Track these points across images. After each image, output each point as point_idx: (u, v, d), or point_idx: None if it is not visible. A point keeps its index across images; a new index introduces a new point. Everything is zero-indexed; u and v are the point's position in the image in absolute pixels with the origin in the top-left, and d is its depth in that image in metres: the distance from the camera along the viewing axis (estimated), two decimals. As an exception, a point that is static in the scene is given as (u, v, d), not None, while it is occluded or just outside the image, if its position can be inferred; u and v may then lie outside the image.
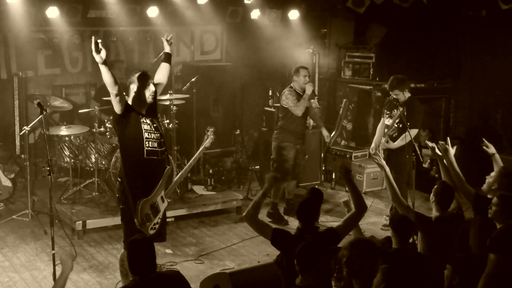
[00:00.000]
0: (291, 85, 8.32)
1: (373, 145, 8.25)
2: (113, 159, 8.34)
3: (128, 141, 5.65)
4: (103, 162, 8.60)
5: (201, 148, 6.55)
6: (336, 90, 11.07)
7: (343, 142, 10.65)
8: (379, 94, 10.16)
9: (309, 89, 8.16)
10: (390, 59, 10.46)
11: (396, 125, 7.97)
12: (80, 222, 7.74)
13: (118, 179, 5.82)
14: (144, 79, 5.73)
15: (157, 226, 5.85)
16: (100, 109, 8.67)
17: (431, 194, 5.69)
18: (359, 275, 4.16)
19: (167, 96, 8.71)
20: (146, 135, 5.66)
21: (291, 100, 8.16)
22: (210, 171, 9.49)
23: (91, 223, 7.79)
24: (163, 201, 5.91)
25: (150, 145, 5.67)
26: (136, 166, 5.66)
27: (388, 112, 8.15)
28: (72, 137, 8.68)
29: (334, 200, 9.41)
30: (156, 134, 5.74)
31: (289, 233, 4.99)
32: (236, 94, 10.81)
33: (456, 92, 10.78)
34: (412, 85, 10.05)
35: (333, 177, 9.98)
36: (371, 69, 10.51)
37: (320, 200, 5.14)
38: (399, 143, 7.75)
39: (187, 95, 9.19)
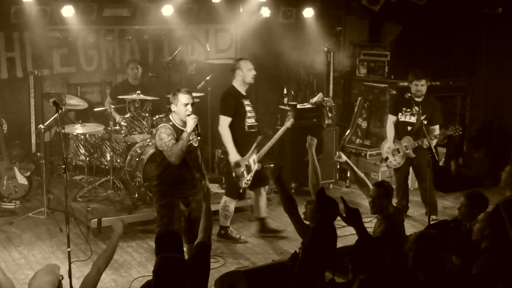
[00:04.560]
0: (170, 116, 6.30)
1: (389, 144, 8.13)
2: (128, 157, 8.33)
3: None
4: (118, 160, 8.60)
5: (283, 127, 7.69)
6: (351, 88, 10.98)
7: (358, 141, 10.58)
8: (394, 92, 10.09)
9: (190, 124, 6.11)
10: (405, 57, 10.38)
11: (416, 121, 7.90)
12: (96, 220, 7.73)
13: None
14: (248, 63, 7.32)
15: (249, 182, 7.31)
16: (116, 107, 8.69)
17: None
18: (424, 268, 4.39)
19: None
20: (248, 114, 7.32)
21: (165, 142, 6.08)
22: (225, 170, 9.35)
23: (106, 221, 7.75)
24: (254, 163, 7.28)
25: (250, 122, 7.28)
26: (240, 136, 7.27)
27: (408, 110, 8.04)
28: (87, 136, 8.68)
29: (349, 198, 9.36)
30: (252, 113, 7.40)
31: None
32: (250, 92, 10.66)
33: (472, 90, 10.68)
34: (428, 83, 10.00)
35: (348, 175, 9.91)
36: (386, 67, 10.42)
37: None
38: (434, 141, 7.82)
39: (202, 94, 9.18)
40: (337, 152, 6.84)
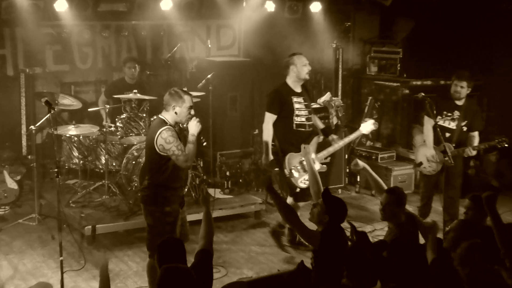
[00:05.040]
0: (162, 117, 5.94)
1: (431, 151, 7.92)
2: (124, 160, 8.29)
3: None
4: (114, 164, 8.58)
5: (357, 132, 7.59)
6: (361, 87, 10.97)
7: (368, 143, 10.55)
8: (406, 91, 10.03)
9: (195, 127, 5.98)
10: (418, 55, 10.36)
11: (456, 127, 7.78)
12: (90, 227, 7.69)
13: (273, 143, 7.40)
14: (302, 58, 7.35)
15: (307, 182, 6.92)
16: (112, 107, 8.65)
17: None
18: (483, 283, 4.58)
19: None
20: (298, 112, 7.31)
21: (176, 145, 5.82)
22: (227, 173, 9.43)
23: (101, 228, 7.74)
24: (313, 162, 6.88)
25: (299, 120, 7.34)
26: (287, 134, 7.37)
27: (448, 114, 7.87)
28: (81, 137, 8.66)
29: (359, 204, 9.28)
30: (304, 111, 7.36)
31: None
32: (254, 91, 10.69)
33: (488, 90, 10.61)
34: (442, 82, 9.95)
35: (358, 180, 9.84)
36: (398, 65, 10.42)
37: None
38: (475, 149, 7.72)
39: (203, 93, 9.14)
40: (350, 159, 6.77)
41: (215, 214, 8.37)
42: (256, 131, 10.60)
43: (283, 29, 10.41)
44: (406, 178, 9.80)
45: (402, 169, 9.86)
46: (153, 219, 5.90)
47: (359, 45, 11.23)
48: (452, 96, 7.76)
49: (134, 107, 8.55)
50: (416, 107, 10.08)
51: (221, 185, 9.25)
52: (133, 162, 8.21)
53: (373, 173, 6.16)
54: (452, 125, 7.74)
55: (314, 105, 9.55)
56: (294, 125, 7.38)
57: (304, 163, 7.20)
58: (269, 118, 7.41)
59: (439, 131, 7.56)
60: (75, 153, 8.72)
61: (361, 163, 6.27)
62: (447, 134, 7.75)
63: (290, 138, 7.37)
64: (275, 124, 7.39)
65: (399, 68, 10.44)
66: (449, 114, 7.80)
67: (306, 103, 7.49)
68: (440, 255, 4.83)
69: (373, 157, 10.08)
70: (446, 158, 7.51)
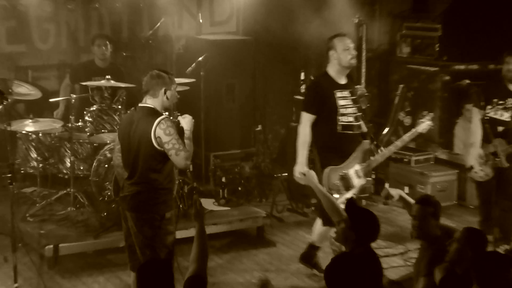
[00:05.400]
0: (153, 106, 6.08)
1: (478, 150, 7.86)
2: (95, 163, 8.27)
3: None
4: (81, 168, 8.59)
5: (412, 132, 7.45)
6: (390, 72, 10.94)
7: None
8: (447, 78, 10.01)
9: (189, 122, 6.18)
10: (461, 32, 10.31)
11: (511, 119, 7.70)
12: (51, 246, 7.66)
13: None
14: (345, 41, 7.22)
15: None
16: (79, 97, 8.62)
17: None
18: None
19: None
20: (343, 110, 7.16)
21: (177, 139, 5.95)
22: (223, 180, 9.39)
23: (65, 248, 7.73)
24: (358, 176, 7.06)
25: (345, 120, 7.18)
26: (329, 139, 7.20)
27: (500, 103, 7.79)
28: (40, 135, 8.66)
29: (388, 218, 9.28)
30: (351, 108, 7.19)
31: None
32: (257, 78, 10.70)
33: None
34: (492, 67, 9.87)
35: (387, 187, 9.77)
36: (437, 45, 10.37)
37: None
38: None
39: (192, 79, 9.08)
40: (378, 189, 6.70)
41: (208, 230, 8.20)
42: (259, 127, 10.57)
43: (293, 0, 10.39)
44: (447, 186, 9.77)
45: (442, 175, 9.85)
46: (152, 230, 5.95)
47: (387, 20, 11.21)
48: (504, 78, 7.70)
49: (107, 96, 8.52)
50: (460, 97, 10.04)
51: (215, 194, 9.24)
52: (106, 165, 8.20)
53: (412, 201, 6.06)
54: (506, 116, 7.69)
55: None
56: (339, 127, 7.16)
57: (350, 176, 7.09)
58: (307, 119, 7.17)
59: (488, 126, 7.51)
60: (33, 155, 8.72)
61: (394, 193, 6.17)
62: (500, 128, 7.70)
63: (333, 144, 7.17)
64: (314, 127, 7.20)
65: (437, 49, 10.37)
66: (501, 102, 7.76)
67: (353, 98, 7.31)
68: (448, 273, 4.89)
69: (405, 160, 10.03)
70: (498, 159, 7.44)
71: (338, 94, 7.17)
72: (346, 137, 7.17)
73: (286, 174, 9.94)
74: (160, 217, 5.96)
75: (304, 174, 6.63)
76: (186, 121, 6.13)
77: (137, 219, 5.99)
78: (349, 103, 7.21)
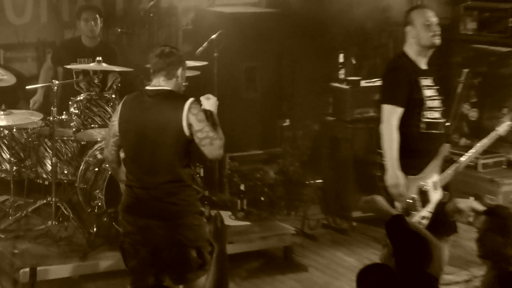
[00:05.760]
0: (169, 87, 6.29)
1: None
2: (82, 167, 8.32)
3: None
4: (65, 172, 8.59)
5: (492, 134, 7.34)
6: (451, 53, 10.87)
7: (463, 141, 10.45)
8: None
9: (214, 104, 6.51)
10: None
11: None
12: (27, 270, 7.62)
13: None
14: (426, 13, 7.04)
15: (426, 220, 6.78)
16: (62, 83, 8.66)
17: None
18: None
19: None
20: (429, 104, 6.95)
21: (209, 125, 6.26)
22: (241, 187, 9.41)
23: (45, 272, 7.69)
24: (435, 189, 6.86)
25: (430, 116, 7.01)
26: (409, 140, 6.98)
27: None
28: (15, 130, 8.70)
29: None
30: (436, 101, 7.00)
31: None
32: (284, 61, 10.69)
33: None
34: None
35: (455, 199, 9.74)
36: (510, 19, 10.27)
37: None
38: None
39: (204, 63, 9.10)
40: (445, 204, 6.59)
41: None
42: (287, 122, 10.50)
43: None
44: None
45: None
46: (195, 232, 6.20)
47: (448, -12, 11.12)
48: None
49: (97, 83, 8.55)
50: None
51: (232, 205, 9.25)
52: (96, 169, 8.24)
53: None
54: None
55: (378, 82, 9.49)
56: (423, 125, 6.99)
57: (428, 189, 6.90)
58: (393, 114, 6.95)
59: None
60: (5, 155, 8.74)
61: (464, 205, 6.18)
62: None
63: (414, 147, 7.00)
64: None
65: (510, 24, 10.24)
66: None
67: (437, 87, 7.12)
68: None
69: (471, 163, 9.90)
70: None
71: (423, 82, 7.01)
72: (430, 138, 7.00)
73: (321, 180, 9.97)
74: (199, 215, 6.25)
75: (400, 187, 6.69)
76: (210, 103, 6.31)
77: (175, 226, 6.13)
78: (435, 95, 7.03)
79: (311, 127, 11.22)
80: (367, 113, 9.36)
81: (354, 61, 10.38)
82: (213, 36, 9.25)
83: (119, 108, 6.26)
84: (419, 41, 7.00)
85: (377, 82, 9.48)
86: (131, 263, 6.28)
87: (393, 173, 6.80)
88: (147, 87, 6.22)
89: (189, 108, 6.04)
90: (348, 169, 9.46)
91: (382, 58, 10.98)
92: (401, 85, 6.92)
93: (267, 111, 10.38)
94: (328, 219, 9.49)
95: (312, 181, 10.08)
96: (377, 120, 7.14)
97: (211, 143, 6.07)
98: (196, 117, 6.07)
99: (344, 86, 9.70)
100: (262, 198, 9.55)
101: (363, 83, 9.52)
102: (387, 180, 6.83)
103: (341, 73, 10.02)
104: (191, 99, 6.13)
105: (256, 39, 10.09)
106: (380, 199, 6.09)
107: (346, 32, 11.14)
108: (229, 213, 9.11)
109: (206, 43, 9.24)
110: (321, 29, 11.02)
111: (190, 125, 6.02)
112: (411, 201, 6.81)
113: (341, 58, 10.14)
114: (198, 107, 6.15)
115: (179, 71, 6.22)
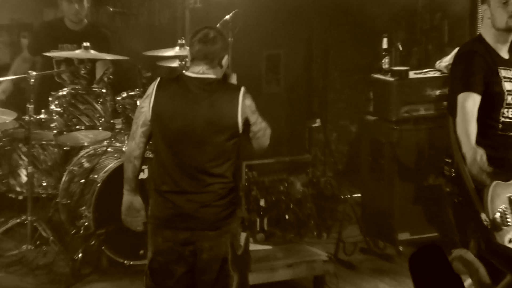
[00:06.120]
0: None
1: None
2: (65, 177, 8.40)
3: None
4: (44, 184, 8.65)
5: None
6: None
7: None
8: None
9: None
10: None
11: None
12: (-3, 305, 7.75)
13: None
14: None
15: None
16: (41, 75, 8.69)
17: None
18: None
19: (174, 51, 8.77)
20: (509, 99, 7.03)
21: (259, 114, 6.70)
22: (261, 203, 9.42)
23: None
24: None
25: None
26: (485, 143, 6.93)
27: None
28: None
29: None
30: None
31: None
32: (314, 47, 10.77)
33: None
34: None
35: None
36: None
37: None
38: None
39: (216, 47, 9.08)
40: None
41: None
42: (317, 123, 10.50)
43: None
44: None
45: None
46: (238, 243, 6.41)
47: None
48: None
49: (84, 75, 8.56)
50: None
51: (250, 224, 9.29)
52: (82, 180, 8.28)
53: None
54: None
55: (431, 74, 9.64)
56: (501, 125, 7.06)
57: None
58: (468, 101, 6.93)
59: None
60: (-29, 164, 8.81)
61: None
62: None
63: (492, 148, 6.98)
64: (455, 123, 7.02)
65: None
66: None
67: None
68: None
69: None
70: None
71: (503, 73, 7.05)
72: (508, 140, 7.07)
73: (359, 195, 10.00)
74: (242, 222, 6.58)
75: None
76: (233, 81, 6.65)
77: (220, 236, 6.25)
78: None
79: (347, 129, 11.34)
80: (417, 112, 9.29)
81: (400, 48, 10.35)
82: (227, 17, 9.24)
83: (152, 91, 6.33)
84: (494, 23, 7.02)
85: (430, 73, 9.58)
86: (163, 286, 6.36)
87: (469, 146, 6.72)
88: (189, 74, 6.33)
89: (243, 100, 6.28)
90: (393, 181, 9.38)
91: (435, 43, 11.06)
92: (477, 71, 6.93)
93: (293, 109, 10.49)
94: (368, 242, 9.46)
95: (348, 196, 10.11)
96: (441, 120, 7.19)
97: (264, 135, 6.43)
98: (250, 109, 6.33)
99: (389, 78, 9.63)
100: (287, 216, 9.59)
101: (412, 75, 9.48)
102: (466, 159, 6.75)
103: (385, 62, 9.95)
104: (243, 89, 6.34)
105: (280, 20, 10.18)
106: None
107: (391, 13, 11.19)
108: (246, 234, 9.13)
109: (218, 25, 9.16)
110: (360, 8, 11.00)
111: (246, 119, 6.28)
112: (501, 213, 6.76)
113: (384, 44, 10.07)
114: (250, 96, 6.37)
115: (224, 60, 6.37)
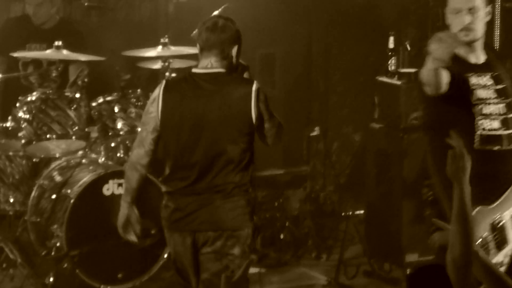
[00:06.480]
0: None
1: None
2: (34, 192, 8.42)
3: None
4: (11, 200, 8.67)
5: None
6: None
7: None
8: None
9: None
10: None
11: None
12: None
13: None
14: None
15: (504, 268, 6.60)
16: (6, 78, 8.81)
17: None
18: None
19: (156, 51, 8.87)
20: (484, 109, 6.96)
21: (271, 110, 6.96)
22: (254, 220, 9.35)
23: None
24: None
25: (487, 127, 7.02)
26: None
27: None
28: None
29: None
30: (498, 105, 6.98)
31: None
32: (312, 46, 10.82)
33: None
34: None
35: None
36: None
37: None
38: None
39: (203, 48, 9.15)
40: None
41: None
42: (316, 131, 10.56)
43: None
44: None
45: None
46: (243, 249, 6.62)
47: None
48: None
49: (55, 78, 8.63)
50: None
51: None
52: (53, 196, 8.32)
53: None
54: None
55: None
56: (477, 140, 7.01)
57: (504, 225, 6.90)
58: None
59: None
60: None
61: None
62: None
63: (473, 171, 7.03)
64: (431, 142, 7.12)
65: None
66: None
67: (498, 87, 7.05)
68: None
69: None
70: None
71: (473, 80, 7.01)
72: (489, 157, 6.99)
73: (363, 211, 10.05)
74: (252, 228, 6.72)
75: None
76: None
77: (228, 239, 6.48)
78: (492, 97, 6.99)
79: (350, 138, 11.39)
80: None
81: (409, 47, 10.43)
82: (216, 12, 9.32)
83: (159, 94, 6.47)
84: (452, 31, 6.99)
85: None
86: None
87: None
88: (197, 70, 6.52)
89: (257, 95, 6.48)
90: (400, 196, 9.41)
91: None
92: None
93: (290, 115, 10.48)
94: (372, 265, 9.47)
95: (351, 212, 10.16)
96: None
97: (277, 131, 6.65)
98: (264, 104, 6.53)
99: (396, 81, 9.70)
100: (282, 236, 9.64)
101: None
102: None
103: (392, 64, 10.03)
104: (255, 84, 6.54)
105: (276, 17, 10.25)
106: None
107: (401, 7, 11.27)
108: (250, 259, 9.18)
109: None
110: (365, 2, 11.16)
111: (259, 115, 6.49)
112: (482, 242, 6.73)
113: (390, 43, 10.16)
114: (264, 91, 6.59)
115: (234, 50, 6.57)
